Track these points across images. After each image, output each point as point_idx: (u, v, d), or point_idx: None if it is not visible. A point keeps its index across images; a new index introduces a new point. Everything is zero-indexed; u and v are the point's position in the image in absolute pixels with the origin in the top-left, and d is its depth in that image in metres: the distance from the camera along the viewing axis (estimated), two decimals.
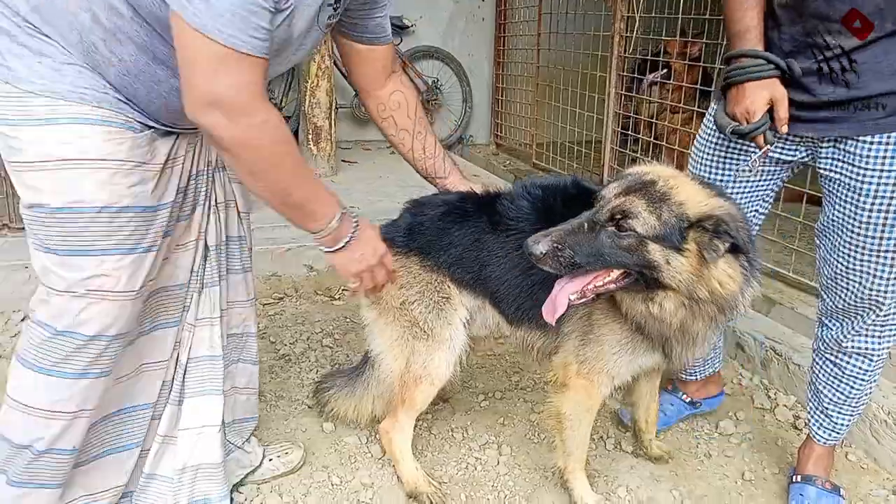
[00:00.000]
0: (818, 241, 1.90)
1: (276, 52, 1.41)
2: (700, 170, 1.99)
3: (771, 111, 1.70)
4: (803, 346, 2.59)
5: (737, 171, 1.93)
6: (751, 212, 1.98)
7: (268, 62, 1.34)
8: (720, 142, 1.93)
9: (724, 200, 1.53)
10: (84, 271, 1.46)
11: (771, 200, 2.01)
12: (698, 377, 2.37)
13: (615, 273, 1.53)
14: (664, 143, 4.05)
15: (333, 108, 4.90)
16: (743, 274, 1.52)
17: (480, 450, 2.23)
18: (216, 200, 1.77)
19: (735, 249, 1.48)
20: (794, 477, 2.08)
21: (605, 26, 4.30)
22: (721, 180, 1.95)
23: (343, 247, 1.64)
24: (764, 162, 1.88)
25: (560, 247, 1.48)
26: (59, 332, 1.49)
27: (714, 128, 1.90)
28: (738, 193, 1.94)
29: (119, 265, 1.49)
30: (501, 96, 6.10)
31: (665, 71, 4.06)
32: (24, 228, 3.31)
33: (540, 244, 1.48)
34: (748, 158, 1.89)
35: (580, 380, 1.82)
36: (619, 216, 1.47)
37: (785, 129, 1.69)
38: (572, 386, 1.83)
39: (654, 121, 4.17)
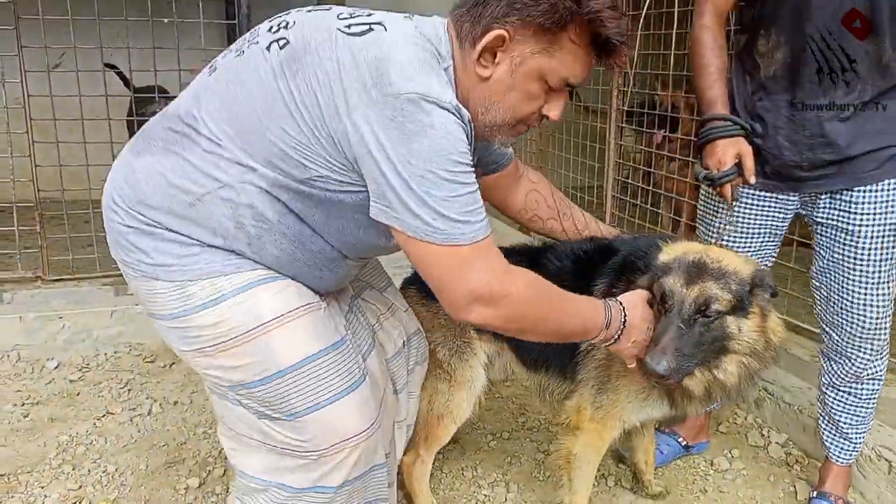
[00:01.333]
0: (817, 284, 2.11)
1: None
2: (723, 231, 2.15)
3: (739, 165, 1.93)
4: (794, 386, 2.73)
5: (718, 230, 2.12)
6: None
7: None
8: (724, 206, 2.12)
9: (747, 261, 1.69)
10: (317, 425, 1.46)
11: (775, 257, 2.23)
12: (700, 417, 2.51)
13: None
14: (662, 191, 4.25)
15: None
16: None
17: (489, 487, 2.38)
18: (381, 311, 1.87)
19: (772, 296, 1.66)
20: (813, 493, 2.28)
21: (604, 80, 4.55)
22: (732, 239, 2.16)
23: (617, 339, 1.58)
24: (732, 219, 2.11)
25: (676, 359, 1.53)
26: (300, 490, 1.49)
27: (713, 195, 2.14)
28: (747, 253, 2.12)
29: (347, 408, 1.49)
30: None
31: (674, 132, 4.22)
32: (57, 280, 3.51)
33: (663, 363, 1.52)
34: (735, 217, 2.12)
35: (593, 424, 1.95)
36: (703, 306, 1.56)
37: (752, 179, 1.92)
38: (585, 429, 1.96)
39: (652, 170, 4.37)
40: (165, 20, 3.55)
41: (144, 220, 1.42)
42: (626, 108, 4.38)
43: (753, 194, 2.09)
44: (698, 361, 1.58)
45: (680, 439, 2.53)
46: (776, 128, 1.98)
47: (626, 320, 1.57)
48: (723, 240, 2.08)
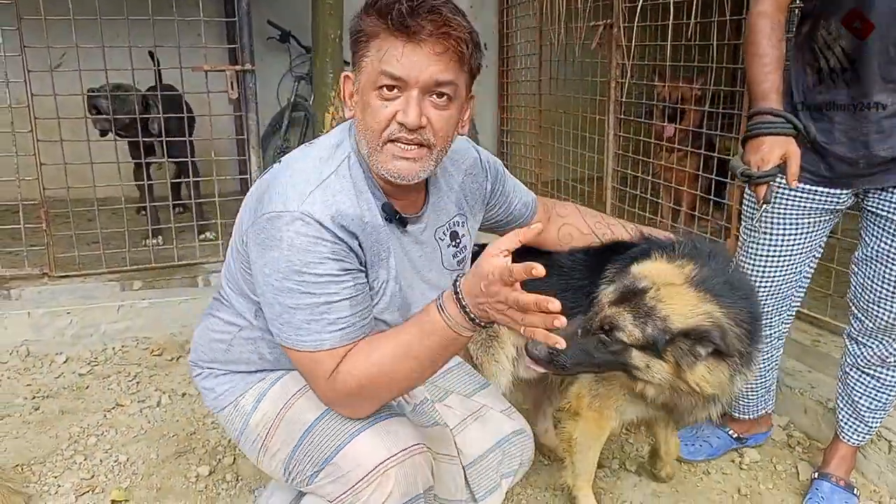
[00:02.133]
0: (856, 269, 2.12)
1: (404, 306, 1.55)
2: (758, 233, 2.13)
3: (782, 165, 1.85)
4: (794, 369, 2.77)
5: (755, 226, 2.11)
6: (805, 265, 2.18)
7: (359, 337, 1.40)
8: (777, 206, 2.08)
9: (719, 307, 1.60)
10: (346, 462, 1.46)
11: (822, 249, 2.20)
12: (750, 416, 2.49)
13: None
14: (662, 181, 4.28)
15: None
16: (730, 372, 1.61)
17: None
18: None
19: (718, 353, 1.57)
20: (814, 474, 2.30)
21: (602, 73, 4.58)
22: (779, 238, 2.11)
23: (471, 317, 1.31)
24: (765, 218, 2.09)
25: (555, 353, 1.58)
26: None
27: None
28: (795, 250, 2.11)
29: (368, 438, 1.46)
30: (506, 138, 6.38)
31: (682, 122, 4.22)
32: (63, 277, 3.56)
33: (539, 350, 1.59)
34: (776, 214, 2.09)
35: (591, 412, 1.99)
36: (608, 327, 1.60)
37: (795, 183, 1.84)
38: (584, 416, 2.00)
39: (651, 160, 4.40)
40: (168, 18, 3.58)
41: (206, 367, 1.73)
42: (623, 100, 4.43)
43: (803, 188, 2.02)
44: (585, 368, 1.68)
45: (731, 431, 2.52)
46: (834, 123, 1.91)
47: (459, 294, 1.31)
48: (760, 235, 2.07)
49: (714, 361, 1.58)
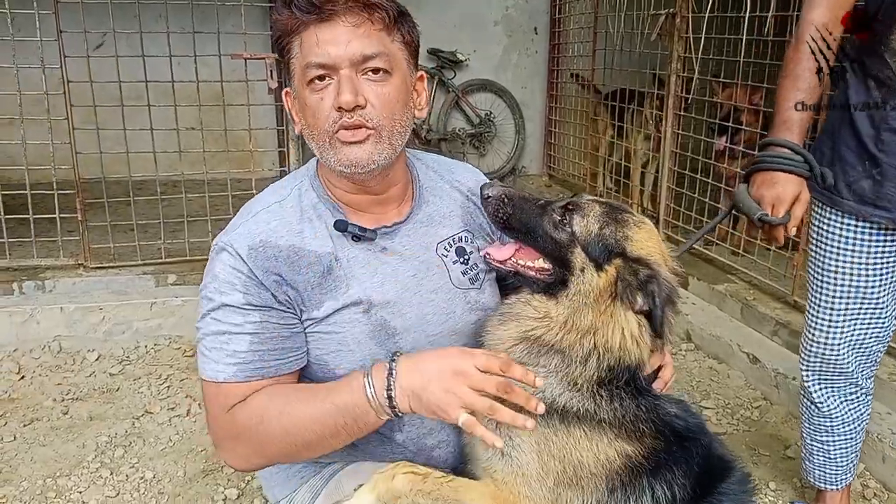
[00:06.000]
0: None
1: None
2: (847, 281, 1.85)
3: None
4: (873, 410, 2.51)
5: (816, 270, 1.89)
6: (890, 316, 1.90)
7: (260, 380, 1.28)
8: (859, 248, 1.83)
9: (675, 282, 1.34)
10: None
11: None
12: (837, 488, 2.12)
13: (539, 263, 1.38)
14: (722, 186, 4.01)
15: None
16: (649, 345, 1.30)
17: None
18: None
19: (650, 319, 1.28)
20: None
21: (662, 65, 4.29)
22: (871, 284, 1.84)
23: (392, 400, 1.16)
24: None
25: (506, 200, 1.36)
26: None
27: (842, 238, 1.83)
28: (881, 301, 1.86)
29: None
30: (554, 128, 6.13)
31: (736, 135, 3.89)
32: (98, 268, 3.48)
33: (493, 189, 1.38)
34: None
35: None
36: (571, 207, 1.36)
37: (793, 232, 1.65)
38: None
39: (711, 162, 4.12)
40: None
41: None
42: (684, 95, 4.15)
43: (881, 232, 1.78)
44: (519, 235, 1.37)
45: None
46: None
47: (392, 371, 1.17)
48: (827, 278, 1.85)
49: (645, 324, 1.29)
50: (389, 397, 1.16)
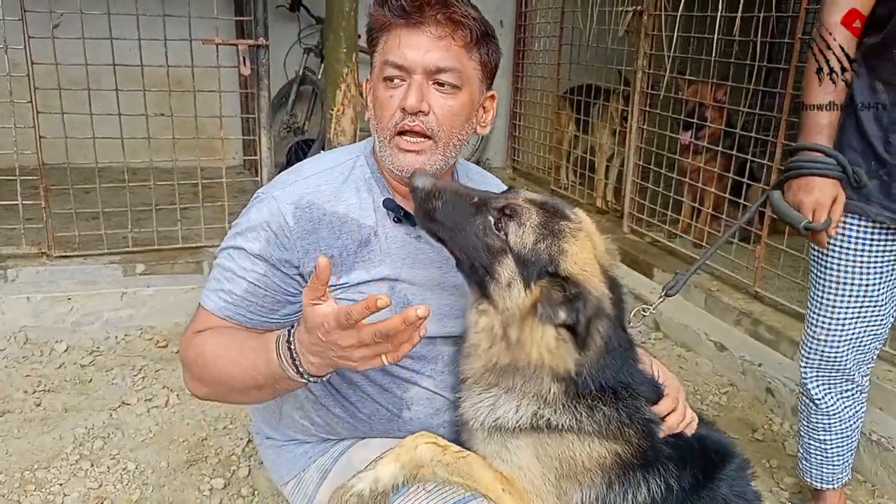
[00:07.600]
0: None
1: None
2: (851, 279, 1.89)
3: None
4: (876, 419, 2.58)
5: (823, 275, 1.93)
6: (889, 315, 1.96)
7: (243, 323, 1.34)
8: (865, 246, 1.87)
9: (613, 293, 1.31)
10: None
11: None
12: (833, 487, 2.16)
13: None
14: (686, 180, 4.14)
15: (357, 136, 4.97)
16: (567, 357, 1.25)
17: None
18: None
19: (574, 333, 1.23)
20: None
21: (629, 62, 4.40)
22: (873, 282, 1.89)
23: (298, 362, 1.17)
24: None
25: (437, 194, 1.27)
26: None
27: (849, 237, 1.85)
28: (879, 300, 1.91)
29: None
30: (519, 121, 6.20)
31: (700, 130, 3.99)
32: (63, 257, 3.38)
33: (423, 180, 1.28)
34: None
35: None
36: (508, 213, 1.28)
37: (834, 232, 1.71)
38: None
39: (676, 157, 4.25)
40: None
41: (265, 439, 1.64)
42: (650, 91, 4.26)
43: (882, 231, 1.83)
44: (446, 234, 1.28)
45: None
46: None
47: (291, 338, 1.19)
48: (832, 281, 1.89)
49: (565, 337, 1.24)
50: (297, 368, 1.16)
